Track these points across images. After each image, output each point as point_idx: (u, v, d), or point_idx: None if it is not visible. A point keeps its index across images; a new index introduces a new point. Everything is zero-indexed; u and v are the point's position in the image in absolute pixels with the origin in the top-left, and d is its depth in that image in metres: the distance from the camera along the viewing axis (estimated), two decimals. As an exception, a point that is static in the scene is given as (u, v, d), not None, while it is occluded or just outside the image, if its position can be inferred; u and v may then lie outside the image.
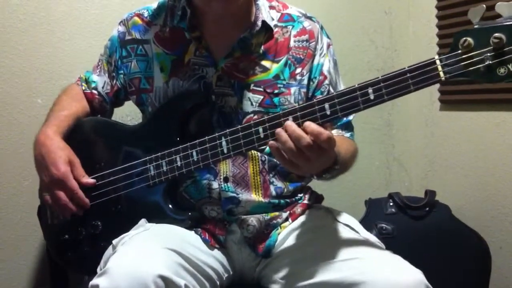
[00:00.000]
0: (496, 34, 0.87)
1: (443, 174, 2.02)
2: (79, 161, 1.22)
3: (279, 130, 0.98)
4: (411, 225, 1.79)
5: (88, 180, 1.21)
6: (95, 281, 0.95)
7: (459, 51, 0.91)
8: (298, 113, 0.99)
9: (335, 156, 1.04)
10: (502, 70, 0.88)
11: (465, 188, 1.91)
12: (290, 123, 0.97)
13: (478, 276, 1.74)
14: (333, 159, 1.04)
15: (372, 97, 0.96)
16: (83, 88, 1.36)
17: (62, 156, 1.18)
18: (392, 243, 1.67)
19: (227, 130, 1.08)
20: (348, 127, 1.31)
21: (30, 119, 1.63)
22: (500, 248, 1.78)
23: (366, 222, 1.76)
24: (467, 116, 1.90)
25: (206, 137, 1.10)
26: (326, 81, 1.28)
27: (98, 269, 1.06)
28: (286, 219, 1.24)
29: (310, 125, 0.95)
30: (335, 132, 1.28)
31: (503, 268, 1.77)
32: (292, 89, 1.24)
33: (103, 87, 1.35)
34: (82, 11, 1.69)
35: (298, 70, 1.25)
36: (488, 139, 1.82)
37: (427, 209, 1.82)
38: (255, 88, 1.22)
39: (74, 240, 1.25)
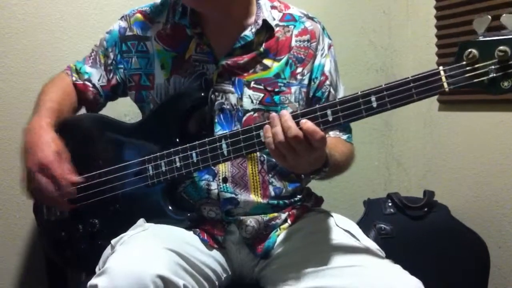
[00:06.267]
0: (501, 47, 0.87)
1: (441, 174, 2.02)
2: (69, 157, 1.17)
3: (273, 115, 0.98)
4: (410, 225, 1.79)
5: (73, 177, 1.16)
6: (94, 281, 0.95)
7: (464, 63, 0.91)
8: (300, 119, 0.98)
9: (326, 157, 1.04)
10: (506, 83, 0.89)
11: (464, 188, 1.91)
12: (285, 112, 0.98)
13: (477, 275, 1.75)
14: (323, 161, 1.04)
15: (374, 105, 0.96)
16: (74, 79, 1.33)
17: (52, 147, 1.14)
18: (391, 243, 1.68)
19: (228, 133, 1.07)
20: (346, 128, 1.31)
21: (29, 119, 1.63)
22: (499, 247, 1.78)
23: (365, 222, 1.76)
24: (466, 116, 1.90)
25: (206, 139, 1.10)
26: (327, 82, 1.28)
27: (96, 269, 1.06)
28: (285, 221, 1.24)
29: (307, 122, 0.96)
30: (332, 133, 1.28)
31: (502, 268, 1.77)
32: (293, 88, 1.24)
33: (98, 80, 1.33)
34: (81, 11, 1.69)
35: (299, 69, 1.25)
36: (487, 139, 1.82)
37: (426, 209, 1.82)
38: (255, 85, 1.22)
39: (71, 238, 1.24)
